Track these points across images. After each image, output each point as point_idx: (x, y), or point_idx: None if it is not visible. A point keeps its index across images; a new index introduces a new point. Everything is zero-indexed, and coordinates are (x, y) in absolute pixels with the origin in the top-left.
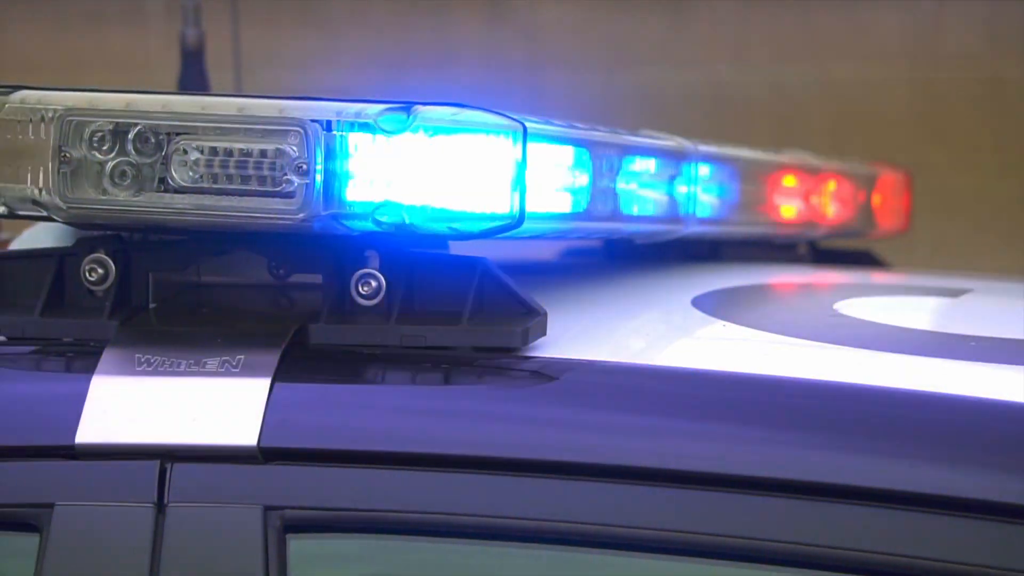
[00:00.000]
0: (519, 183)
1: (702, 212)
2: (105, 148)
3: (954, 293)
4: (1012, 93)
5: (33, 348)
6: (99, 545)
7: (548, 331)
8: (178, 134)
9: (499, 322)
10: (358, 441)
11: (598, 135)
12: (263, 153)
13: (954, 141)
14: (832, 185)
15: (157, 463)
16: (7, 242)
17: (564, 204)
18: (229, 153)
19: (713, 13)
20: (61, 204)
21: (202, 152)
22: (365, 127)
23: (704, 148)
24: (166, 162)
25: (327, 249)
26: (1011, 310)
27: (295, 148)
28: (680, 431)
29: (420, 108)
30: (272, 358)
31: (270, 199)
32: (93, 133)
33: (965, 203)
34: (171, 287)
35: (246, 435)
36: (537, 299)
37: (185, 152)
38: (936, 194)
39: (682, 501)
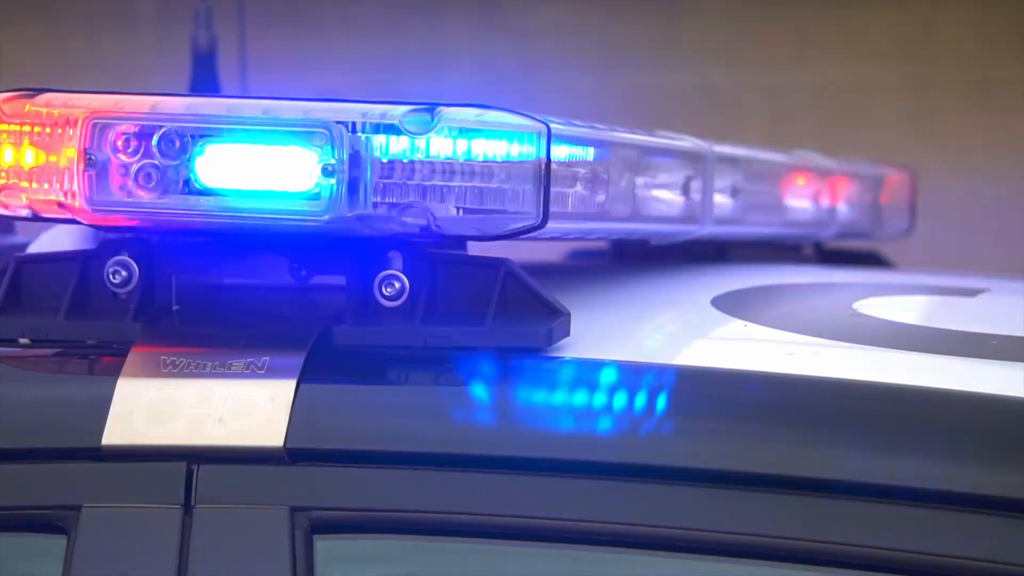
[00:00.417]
0: (543, 184)
1: (717, 213)
2: (130, 150)
3: (971, 292)
4: (1004, 95)
5: (58, 350)
6: (126, 547)
7: (570, 331)
8: (202, 136)
9: (523, 322)
10: (384, 442)
11: (618, 136)
12: (287, 155)
13: (946, 143)
14: (842, 186)
15: (184, 464)
16: (24, 245)
17: (585, 205)
18: (254, 155)
19: (705, 15)
20: (87, 207)
21: (226, 154)
22: (390, 128)
23: (720, 149)
24: (191, 164)
25: (350, 250)
26: None
27: (320, 150)
28: (707, 430)
29: (444, 109)
30: (297, 360)
31: (295, 200)
32: (118, 135)
33: (957, 205)
34: (193, 289)
35: (272, 436)
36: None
37: (210, 154)
38: (927, 196)
39: (711, 500)
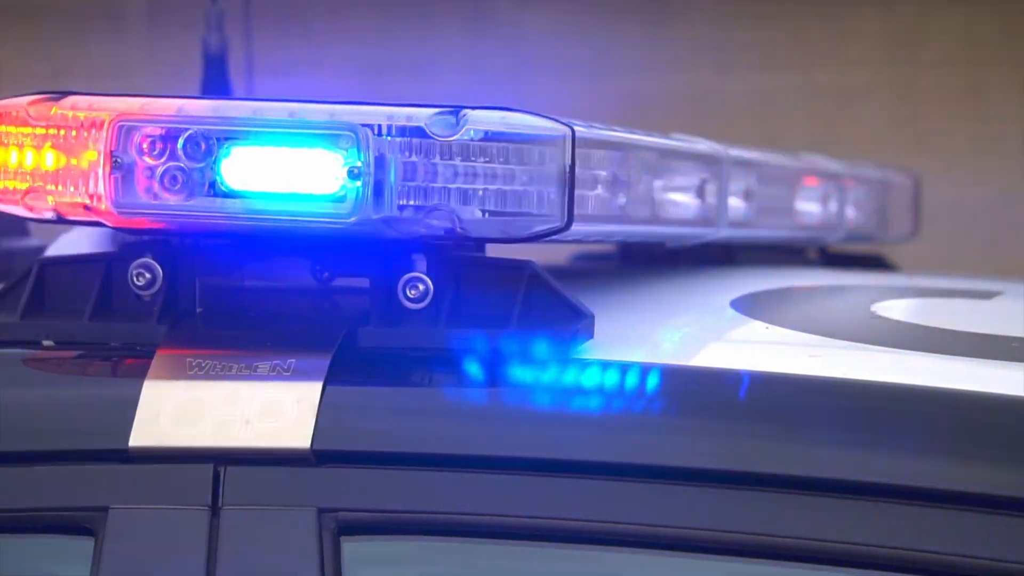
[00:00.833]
0: (567, 187)
1: (731, 216)
2: (155, 153)
3: (986, 295)
4: (992, 100)
5: (83, 353)
6: (154, 548)
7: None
8: (228, 138)
9: (548, 325)
10: (411, 443)
11: (637, 139)
12: (313, 157)
13: (934, 147)
14: (849, 189)
15: (211, 466)
16: (40, 248)
17: (607, 208)
18: (279, 157)
19: (695, 20)
20: (112, 209)
21: (252, 156)
22: (416, 131)
23: (735, 153)
24: (216, 166)
25: (374, 253)
26: None
27: (346, 152)
28: (735, 432)
29: (470, 112)
30: (323, 361)
31: (321, 203)
32: (143, 138)
33: (945, 209)
34: (216, 291)
35: (300, 438)
36: None
37: (235, 156)
38: None
39: (733, 501)
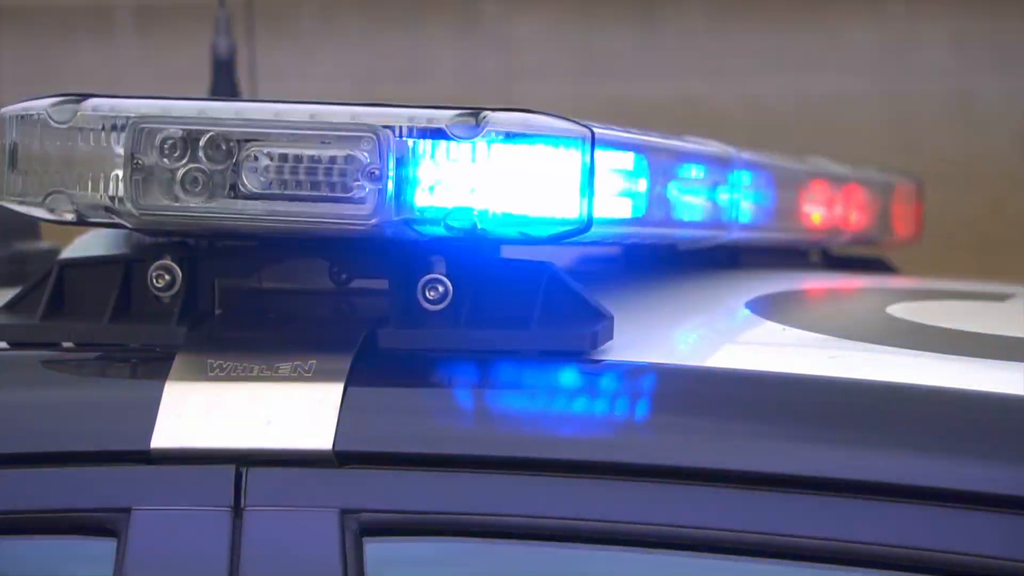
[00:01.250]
0: (587, 188)
1: (744, 218)
2: (176, 155)
3: (1000, 297)
4: (981, 106)
5: (104, 354)
6: (177, 549)
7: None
8: (248, 140)
9: (567, 326)
10: (433, 444)
11: (654, 141)
12: (333, 159)
13: (924, 153)
14: (855, 193)
15: (232, 467)
16: (51, 251)
17: (624, 209)
18: (299, 159)
19: (685, 26)
20: (134, 211)
21: (272, 159)
22: (437, 133)
23: (746, 155)
24: (237, 169)
25: (393, 254)
26: None
27: (367, 154)
28: (758, 434)
29: (490, 114)
30: (344, 363)
31: (342, 204)
32: (164, 140)
33: (934, 215)
34: (234, 293)
35: (321, 439)
36: None
37: (256, 159)
38: None
39: (757, 503)
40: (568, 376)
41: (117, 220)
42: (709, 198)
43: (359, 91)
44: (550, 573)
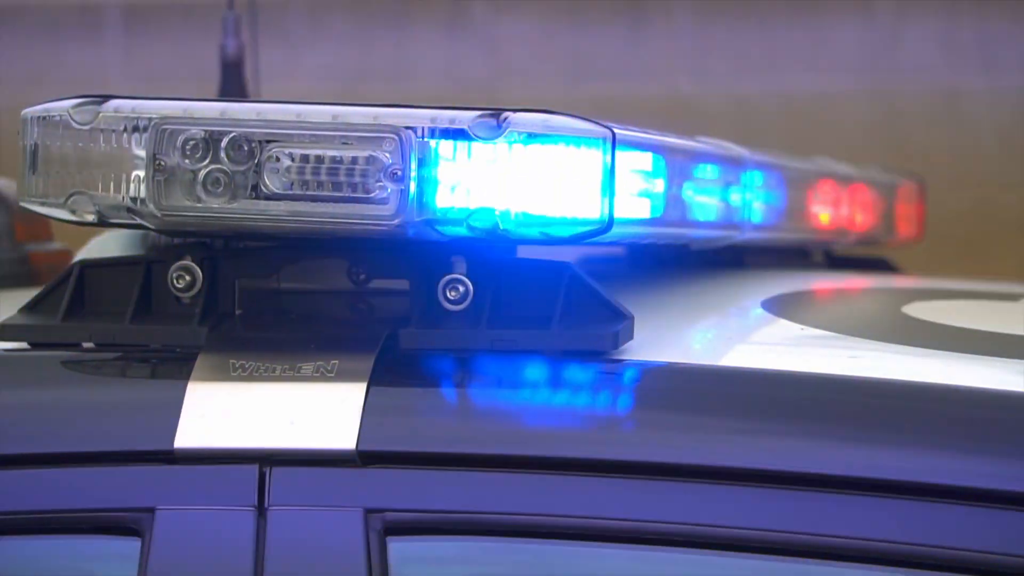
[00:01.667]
0: (608, 188)
1: (755, 218)
2: (198, 156)
3: (1013, 297)
4: (968, 106)
5: (126, 355)
6: (201, 549)
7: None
8: (270, 141)
9: (589, 326)
10: (456, 444)
11: (671, 141)
12: (355, 160)
13: (911, 153)
14: (859, 193)
15: (256, 467)
16: (64, 252)
17: (643, 210)
18: (321, 160)
19: (672, 26)
20: (156, 212)
21: (294, 159)
22: (459, 134)
23: (758, 156)
24: (259, 169)
25: (413, 255)
26: None
27: (389, 155)
28: (784, 433)
29: (512, 115)
30: (366, 363)
31: (364, 205)
32: (186, 141)
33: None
34: (254, 293)
35: (344, 439)
36: None
37: (278, 159)
38: None
39: (786, 502)
40: (591, 375)
41: (139, 221)
42: (722, 198)
43: (346, 90)
44: (573, 572)
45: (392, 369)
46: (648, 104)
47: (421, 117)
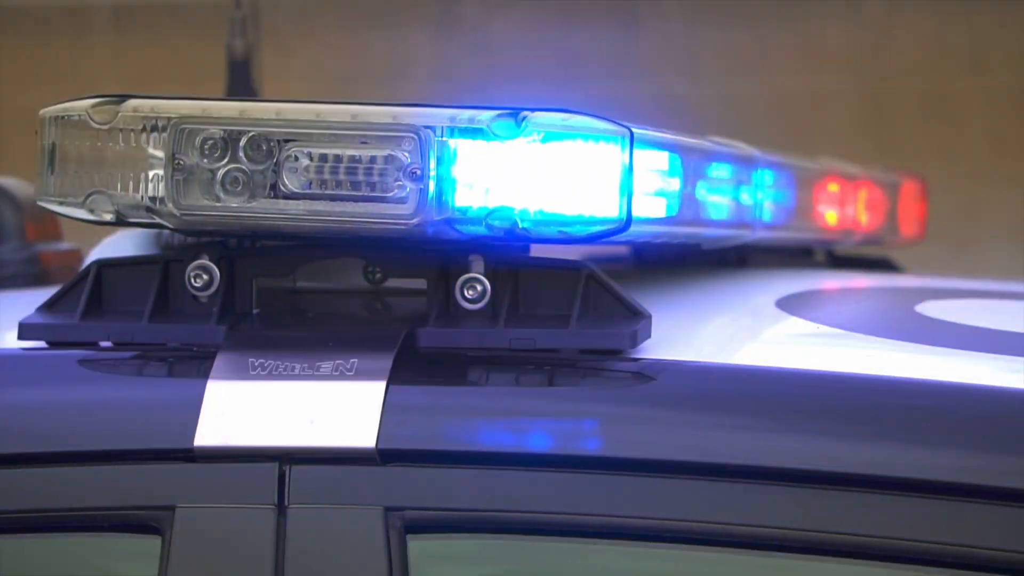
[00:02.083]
0: (626, 187)
1: (766, 217)
2: (217, 155)
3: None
4: (958, 105)
5: (144, 353)
6: (222, 547)
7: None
8: (288, 141)
9: (607, 325)
10: (476, 442)
11: (687, 141)
12: (374, 159)
13: (901, 152)
14: (865, 192)
15: (276, 465)
16: (74, 252)
17: (659, 209)
18: (340, 159)
19: (664, 27)
20: (175, 211)
21: (313, 159)
22: (478, 132)
23: (769, 155)
24: (277, 169)
25: (430, 254)
26: None
27: (408, 154)
28: (806, 431)
29: (531, 114)
30: (385, 362)
31: (383, 204)
32: (205, 140)
33: None
34: (271, 293)
35: (364, 437)
36: None
37: (296, 159)
38: None
39: (801, 500)
40: (611, 374)
41: (157, 220)
42: (734, 198)
43: (336, 91)
44: (592, 570)
45: (411, 368)
46: (639, 104)
47: (440, 116)
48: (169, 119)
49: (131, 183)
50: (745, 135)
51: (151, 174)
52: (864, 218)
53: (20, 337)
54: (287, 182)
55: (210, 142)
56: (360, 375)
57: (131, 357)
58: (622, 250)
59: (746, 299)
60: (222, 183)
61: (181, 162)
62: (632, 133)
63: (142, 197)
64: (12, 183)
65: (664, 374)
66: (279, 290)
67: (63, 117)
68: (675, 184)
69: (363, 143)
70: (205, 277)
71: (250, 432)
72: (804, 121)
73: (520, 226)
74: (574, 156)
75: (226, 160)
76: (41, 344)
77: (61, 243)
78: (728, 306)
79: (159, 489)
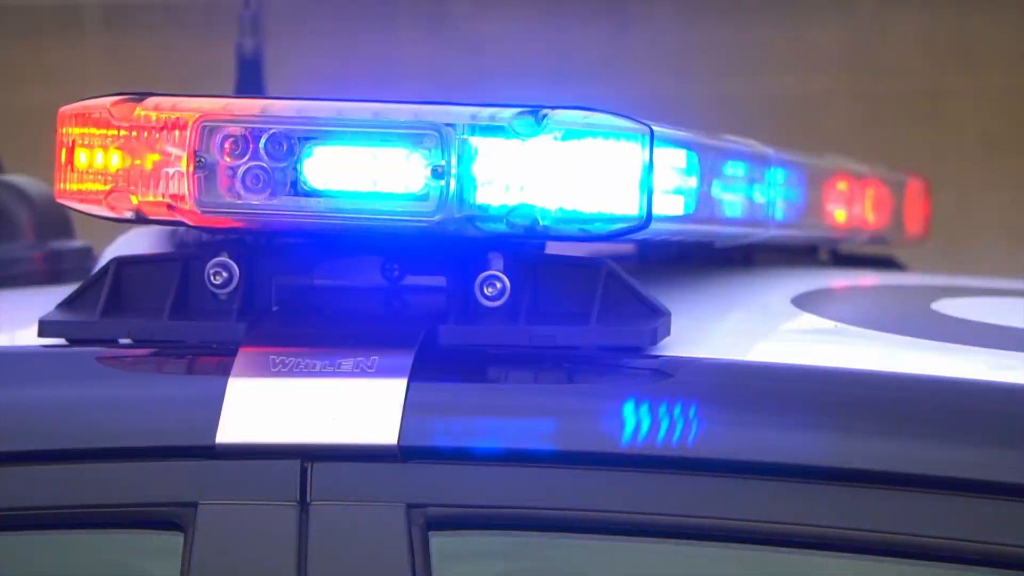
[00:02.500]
0: (647, 185)
1: (778, 216)
2: (238, 153)
3: None
4: (950, 105)
5: (164, 351)
6: (244, 543)
7: None
8: (309, 138)
9: (627, 322)
10: (497, 439)
11: (703, 140)
12: (396, 156)
13: (893, 153)
14: (872, 191)
15: (298, 462)
16: (86, 249)
17: (676, 206)
18: (362, 157)
19: (655, 26)
20: (196, 209)
21: (334, 156)
22: (499, 130)
23: (782, 153)
24: (298, 166)
25: (449, 251)
26: None
27: (429, 151)
28: (825, 427)
29: (551, 112)
30: (406, 359)
31: (404, 202)
32: (226, 138)
33: None
34: (290, 290)
35: (386, 434)
36: None
37: (317, 156)
38: None
39: (825, 497)
40: (632, 371)
41: (178, 218)
42: (748, 196)
43: (330, 91)
44: (613, 566)
45: (431, 365)
46: (630, 104)
47: (461, 114)
48: (191, 116)
49: (151, 180)
50: (736, 134)
51: (172, 171)
52: (871, 217)
53: (40, 334)
54: (308, 179)
55: (231, 139)
56: (381, 372)
57: (151, 354)
58: (626, 248)
59: (761, 297)
60: (243, 180)
61: (202, 159)
62: (652, 131)
63: (163, 194)
64: (24, 180)
65: (684, 371)
66: (300, 287)
67: (83, 115)
68: (692, 182)
69: (384, 140)
70: (225, 274)
71: (272, 429)
72: (796, 121)
73: (540, 224)
74: (594, 154)
75: (247, 157)
76: (61, 341)
77: (73, 241)
78: (743, 304)
79: (181, 486)
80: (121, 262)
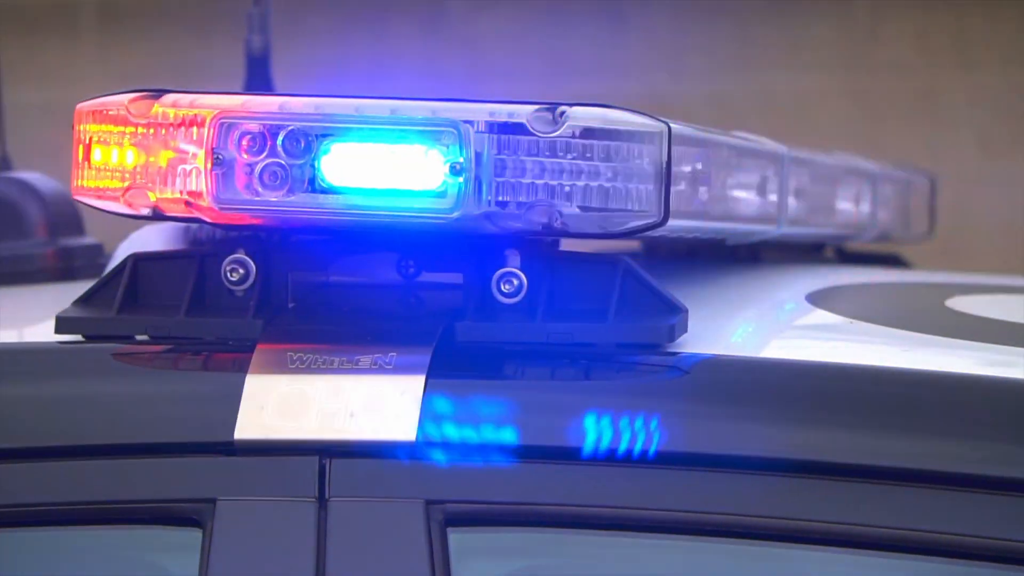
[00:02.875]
0: (664, 183)
1: (790, 213)
2: (255, 149)
3: None
4: (945, 104)
5: (182, 347)
6: (262, 540)
7: None
8: (327, 135)
9: (645, 319)
10: (515, 436)
11: (718, 137)
12: (414, 153)
13: (888, 151)
14: (880, 188)
15: (316, 458)
16: (96, 247)
17: (691, 204)
18: (380, 154)
19: (651, 24)
20: (214, 205)
21: (352, 153)
22: (517, 128)
23: (794, 151)
24: (316, 163)
25: (466, 248)
26: None
27: (447, 148)
28: (844, 425)
29: (569, 109)
30: (424, 355)
31: (422, 199)
32: (243, 135)
33: None
34: (307, 286)
35: (405, 430)
36: None
37: (335, 153)
38: None
39: (836, 493)
40: (649, 368)
41: (195, 215)
42: (762, 193)
43: (325, 89)
44: (632, 563)
45: (449, 362)
46: (625, 102)
47: (479, 111)
48: (209, 113)
49: (169, 177)
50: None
51: (189, 168)
52: (881, 214)
53: (57, 330)
54: (326, 176)
55: (249, 136)
56: (399, 369)
57: (168, 351)
58: (631, 246)
59: (775, 294)
60: (260, 177)
61: (220, 156)
62: (670, 128)
63: (180, 191)
64: (35, 177)
65: (702, 368)
66: (316, 283)
67: (100, 111)
68: (707, 179)
69: (402, 137)
70: (241, 271)
71: (290, 425)
72: (791, 119)
73: (558, 221)
74: (612, 151)
75: (265, 154)
76: (77, 338)
77: (84, 238)
78: (758, 301)
79: (200, 482)
80: (138, 258)
